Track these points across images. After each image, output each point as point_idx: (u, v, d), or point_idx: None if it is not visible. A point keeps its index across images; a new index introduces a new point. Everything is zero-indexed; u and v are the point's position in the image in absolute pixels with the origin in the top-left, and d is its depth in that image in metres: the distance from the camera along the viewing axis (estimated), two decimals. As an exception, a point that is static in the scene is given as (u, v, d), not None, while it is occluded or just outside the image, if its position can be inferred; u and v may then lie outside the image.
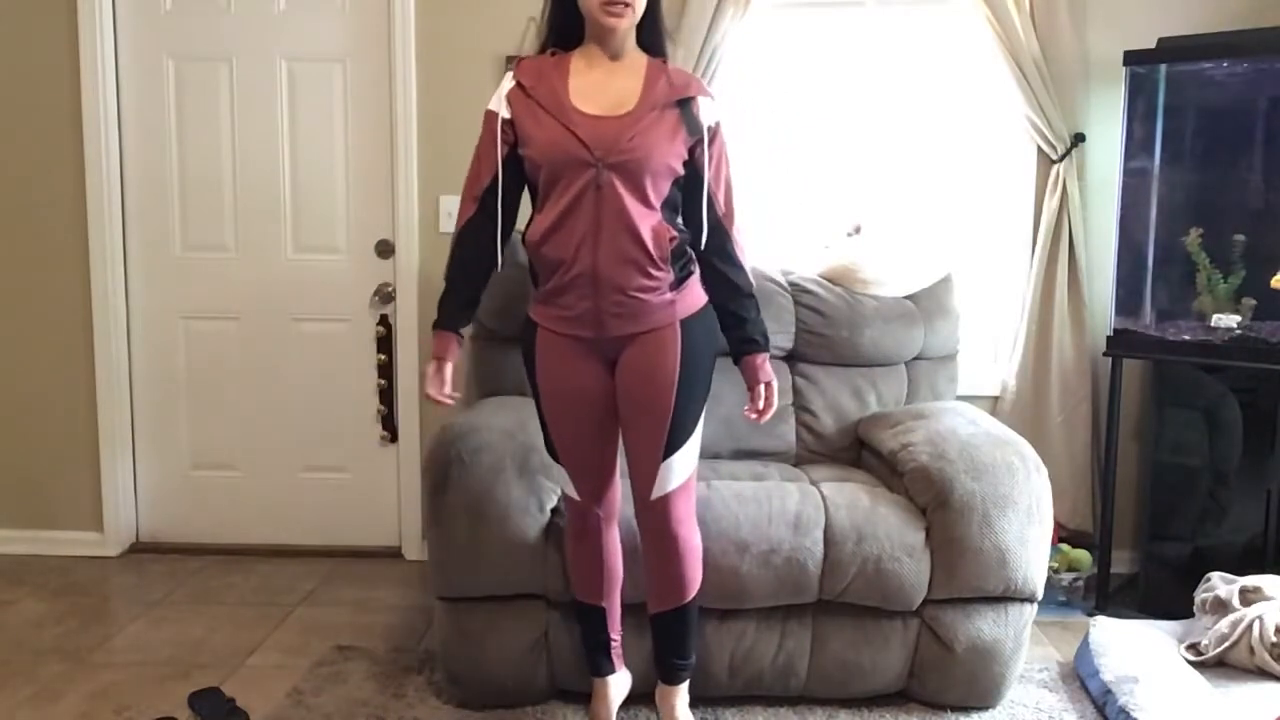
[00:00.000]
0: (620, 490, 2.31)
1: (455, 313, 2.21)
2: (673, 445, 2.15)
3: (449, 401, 2.20)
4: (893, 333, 3.04)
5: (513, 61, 3.36)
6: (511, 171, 2.14)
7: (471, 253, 2.19)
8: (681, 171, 2.12)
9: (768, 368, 2.22)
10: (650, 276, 2.10)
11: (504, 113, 2.12)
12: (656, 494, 2.17)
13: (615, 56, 2.13)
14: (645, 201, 2.07)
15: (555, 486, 2.43)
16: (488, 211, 2.15)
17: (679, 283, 2.15)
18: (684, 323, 2.15)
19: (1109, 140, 3.20)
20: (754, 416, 2.23)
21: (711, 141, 2.15)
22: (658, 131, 2.07)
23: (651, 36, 2.18)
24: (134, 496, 3.66)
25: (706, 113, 2.14)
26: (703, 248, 2.17)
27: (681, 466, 2.18)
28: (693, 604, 2.27)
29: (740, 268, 2.20)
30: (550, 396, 2.21)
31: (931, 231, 3.40)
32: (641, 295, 2.10)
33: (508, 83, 2.14)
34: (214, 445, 3.64)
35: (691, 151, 2.13)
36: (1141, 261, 3.14)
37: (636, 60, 2.15)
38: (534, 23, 3.34)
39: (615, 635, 2.38)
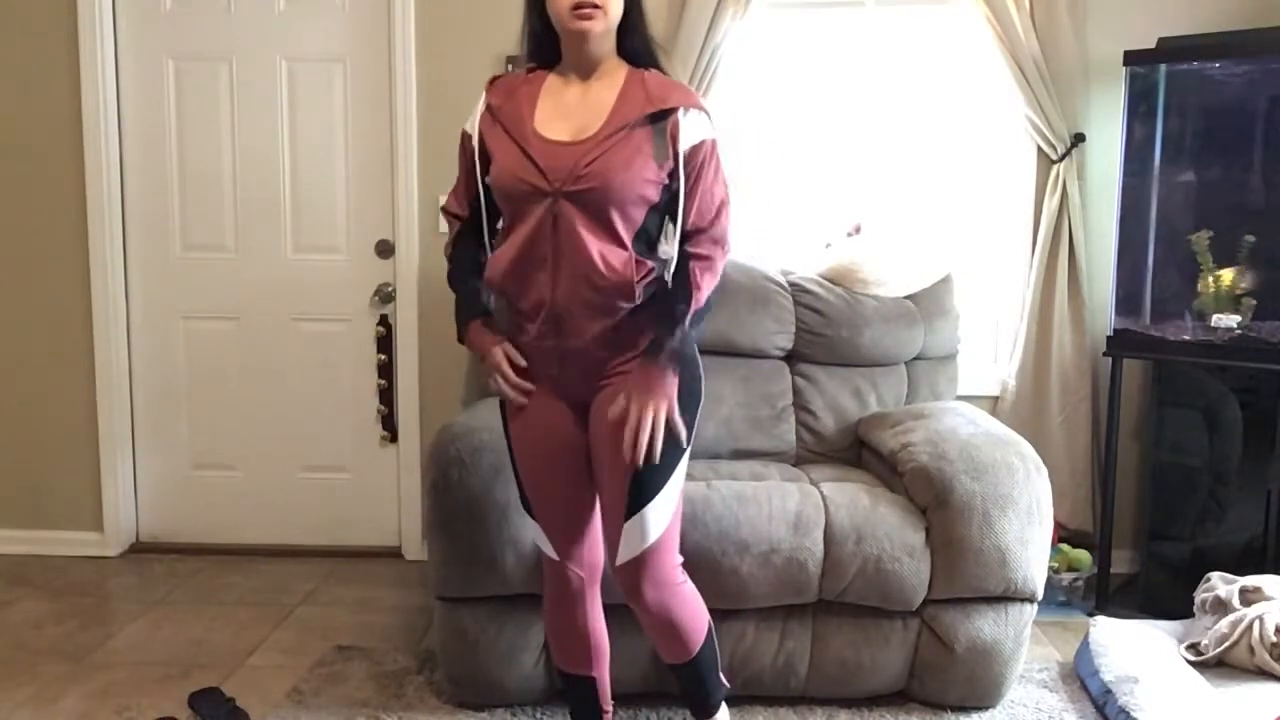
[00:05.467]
0: (601, 549, 2.08)
1: (475, 302, 2.03)
2: (637, 502, 1.90)
3: (525, 393, 1.97)
4: (893, 333, 3.04)
5: (512, 64, 3.42)
6: (490, 195, 2.00)
7: (466, 252, 2.06)
8: (656, 198, 1.88)
9: (648, 384, 1.85)
10: (615, 318, 1.90)
11: (475, 134, 1.98)
12: (623, 558, 1.94)
13: (592, 67, 1.92)
14: (611, 235, 1.86)
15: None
16: (472, 225, 2.04)
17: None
18: None
19: (1109, 140, 3.20)
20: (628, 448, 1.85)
21: (689, 163, 1.88)
22: (620, 156, 1.84)
23: (634, 43, 1.95)
24: (134, 496, 3.66)
25: (689, 129, 1.88)
26: (669, 275, 1.93)
27: (655, 523, 1.93)
28: (701, 653, 2.06)
29: (689, 286, 1.90)
30: (519, 437, 2.02)
31: (931, 231, 3.40)
32: (604, 348, 1.92)
33: (482, 102, 1.98)
34: (214, 445, 3.64)
35: (672, 174, 1.89)
36: (1141, 261, 3.14)
37: (615, 73, 1.94)
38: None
39: (608, 706, 2.19)
